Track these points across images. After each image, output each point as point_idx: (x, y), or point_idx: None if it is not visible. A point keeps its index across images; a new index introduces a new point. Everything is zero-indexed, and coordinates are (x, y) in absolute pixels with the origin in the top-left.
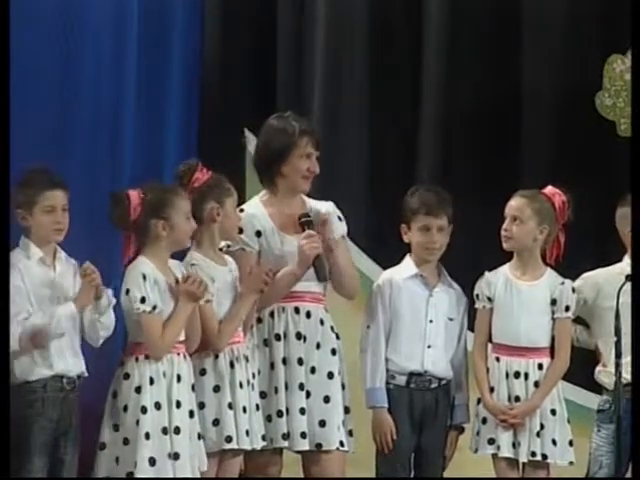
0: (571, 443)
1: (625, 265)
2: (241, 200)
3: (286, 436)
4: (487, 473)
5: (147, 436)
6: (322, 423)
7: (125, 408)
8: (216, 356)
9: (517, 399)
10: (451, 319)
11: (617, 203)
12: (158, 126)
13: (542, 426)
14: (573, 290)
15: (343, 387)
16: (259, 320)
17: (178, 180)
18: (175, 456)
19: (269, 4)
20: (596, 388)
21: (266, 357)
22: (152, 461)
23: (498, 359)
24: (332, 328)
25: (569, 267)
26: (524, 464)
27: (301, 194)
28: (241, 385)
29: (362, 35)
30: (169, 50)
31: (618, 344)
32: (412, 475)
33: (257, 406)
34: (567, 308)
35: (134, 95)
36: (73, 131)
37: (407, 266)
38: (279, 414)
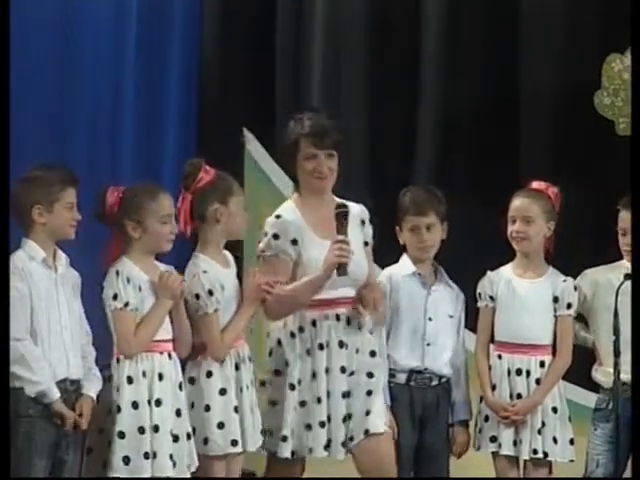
0: (572, 441)
1: (624, 263)
2: None
3: (327, 446)
4: (488, 470)
5: (121, 435)
6: (367, 412)
7: (109, 411)
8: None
9: (519, 396)
10: (450, 316)
11: (618, 205)
12: (157, 126)
13: (543, 424)
14: (575, 288)
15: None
16: (301, 329)
17: (183, 180)
18: (153, 455)
19: (268, 4)
20: (593, 387)
21: (308, 366)
22: (126, 460)
23: (500, 357)
24: (370, 331)
25: (568, 265)
26: (525, 462)
27: (327, 194)
28: (247, 387)
29: (361, 35)
30: (168, 50)
31: (617, 343)
32: (412, 474)
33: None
34: (569, 305)
35: (133, 95)
36: (72, 132)
37: (405, 264)
38: (321, 424)
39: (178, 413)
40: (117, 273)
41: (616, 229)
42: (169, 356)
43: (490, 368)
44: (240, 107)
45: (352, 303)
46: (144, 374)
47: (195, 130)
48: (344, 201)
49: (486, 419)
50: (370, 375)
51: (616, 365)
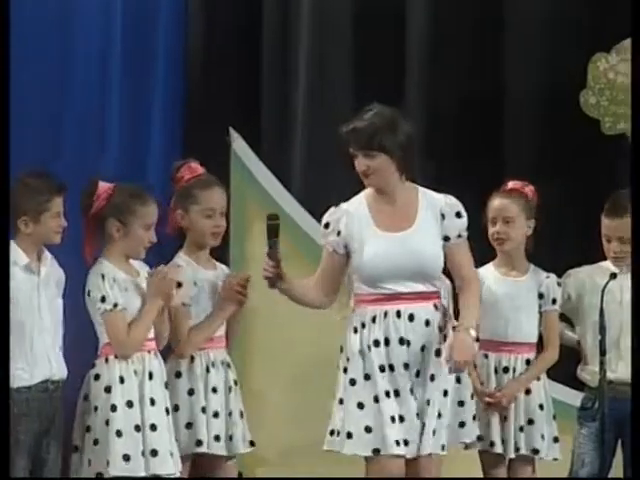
0: (556, 440)
1: (609, 263)
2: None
3: (400, 442)
4: (477, 469)
5: (119, 434)
6: (422, 425)
7: (95, 409)
8: (192, 359)
9: None
10: None
11: (602, 211)
12: (143, 125)
13: (531, 421)
14: (559, 284)
15: (445, 394)
16: (363, 325)
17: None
18: (153, 453)
19: (253, 2)
20: (578, 385)
21: (365, 364)
22: (126, 458)
23: (486, 355)
24: (440, 328)
25: (554, 264)
26: (510, 461)
27: (414, 186)
28: (215, 390)
29: (346, 34)
30: (153, 49)
31: (602, 342)
32: None
33: (241, 413)
34: (554, 301)
35: (118, 94)
36: (59, 132)
37: None
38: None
39: (167, 411)
40: (102, 276)
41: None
42: (156, 355)
43: (476, 367)
44: (226, 106)
45: (422, 297)
46: (135, 373)
47: (180, 129)
48: (276, 213)
49: (473, 418)
50: (432, 378)
51: (602, 364)
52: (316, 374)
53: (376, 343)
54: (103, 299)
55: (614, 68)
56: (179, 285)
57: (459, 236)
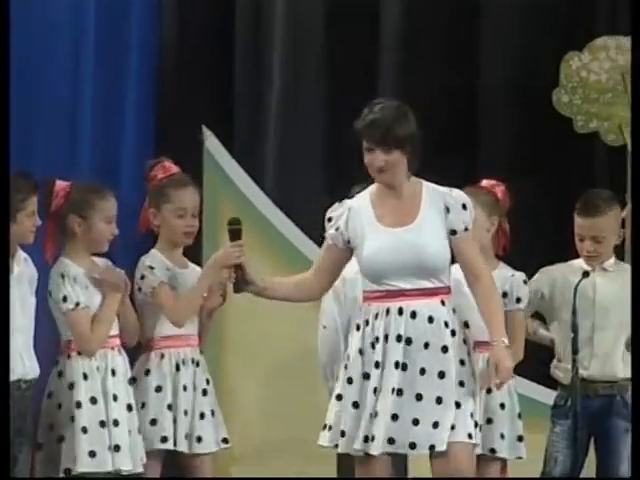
0: (520, 438)
1: (582, 261)
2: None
3: (365, 440)
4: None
5: (84, 430)
6: (435, 424)
7: (59, 406)
8: (162, 356)
9: None
10: None
11: (574, 210)
12: (116, 123)
13: (490, 420)
14: (525, 282)
15: (461, 384)
16: (367, 322)
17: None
18: (116, 448)
19: (227, 1)
20: (552, 383)
21: (361, 364)
22: (92, 454)
23: None
24: (446, 324)
25: (527, 261)
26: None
27: (418, 181)
28: (185, 388)
29: (320, 31)
30: (126, 47)
31: (575, 340)
32: None
33: (212, 412)
34: (518, 300)
35: (91, 92)
36: (30, 129)
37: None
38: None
39: (129, 408)
40: (62, 275)
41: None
42: (119, 351)
43: None
44: (199, 104)
45: (426, 294)
46: (98, 369)
47: (153, 127)
48: (237, 217)
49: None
50: (441, 375)
51: (574, 362)
52: (291, 371)
53: (377, 340)
54: (65, 299)
55: (587, 66)
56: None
57: (466, 229)
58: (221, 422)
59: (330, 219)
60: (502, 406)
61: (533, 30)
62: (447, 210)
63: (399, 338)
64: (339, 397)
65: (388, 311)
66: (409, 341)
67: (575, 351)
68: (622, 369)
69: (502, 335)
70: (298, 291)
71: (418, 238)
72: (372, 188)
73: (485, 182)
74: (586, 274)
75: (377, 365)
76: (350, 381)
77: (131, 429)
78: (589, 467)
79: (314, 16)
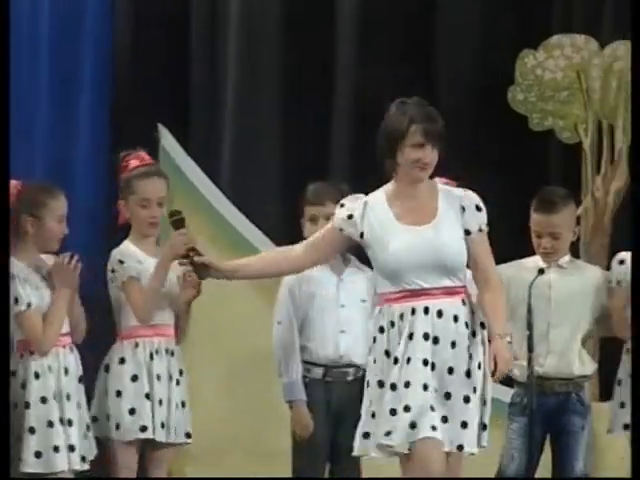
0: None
1: (537, 259)
2: None
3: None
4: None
5: (32, 430)
6: (464, 424)
7: (15, 406)
8: (136, 345)
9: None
10: (363, 301)
11: (531, 205)
12: (71, 121)
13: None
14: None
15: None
16: (392, 324)
17: None
18: (71, 448)
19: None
20: (508, 381)
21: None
22: (37, 454)
23: None
24: (467, 324)
25: None
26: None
27: (432, 182)
28: (159, 377)
29: (275, 28)
30: (80, 44)
31: (530, 337)
32: (328, 468)
33: (183, 403)
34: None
35: (47, 90)
36: None
37: None
38: (392, 412)
39: (78, 405)
40: (12, 277)
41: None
42: (71, 349)
43: None
44: (154, 102)
45: (449, 292)
46: (50, 369)
47: (109, 125)
48: (178, 209)
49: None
50: (468, 374)
51: (530, 360)
52: (245, 368)
53: (400, 338)
54: (16, 301)
55: (542, 65)
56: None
57: (480, 230)
58: (189, 415)
59: (343, 205)
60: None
61: (488, 28)
62: (463, 210)
63: (426, 336)
64: (371, 403)
65: (414, 311)
66: (436, 340)
67: (531, 349)
68: (578, 366)
69: (504, 330)
70: (283, 259)
71: (438, 236)
72: (387, 187)
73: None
74: (541, 271)
75: (395, 361)
76: (381, 384)
77: (80, 428)
78: (544, 465)
79: (270, 13)
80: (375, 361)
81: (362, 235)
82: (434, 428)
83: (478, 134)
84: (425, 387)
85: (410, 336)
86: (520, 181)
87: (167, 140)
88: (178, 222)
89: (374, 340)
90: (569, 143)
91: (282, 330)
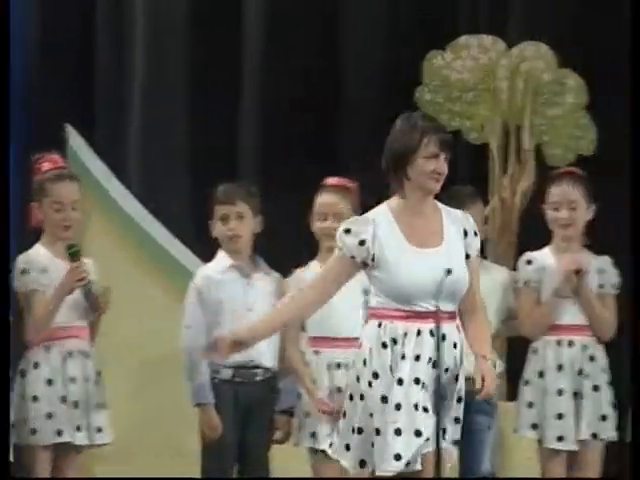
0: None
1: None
2: None
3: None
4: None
5: None
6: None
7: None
8: (49, 349)
9: (339, 390)
10: (273, 305)
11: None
12: None
13: None
14: None
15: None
16: (394, 341)
17: None
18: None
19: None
20: None
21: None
22: None
23: (317, 352)
24: (461, 350)
25: None
26: None
27: (434, 201)
28: (74, 380)
29: (182, 30)
30: None
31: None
32: (236, 469)
33: (101, 404)
34: None
35: None
36: None
37: (221, 259)
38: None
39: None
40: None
41: None
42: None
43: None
44: (61, 102)
45: (451, 317)
46: None
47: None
48: (74, 242)
49: (307, 415)
50: (459, 400)
51: (437, 360)
52: (156, 370)
53: (403, 358)
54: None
55: (449, 65)
56: None
57: (477, 255)
58: (108, 416)
59: (349, 231)
60: None
61: (396, 28)
62: (465, 233)
63: (430, 360)
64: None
65: (419, 332)
66: (437, 364)
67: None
68: None
69: (490, 352)
70: (304, 306)
71: (449, 261)
72: (392, 203)
73: (340, 180)
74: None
75: (400, 382)
76: (384, 400)
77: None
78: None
79: (175, 13)
80: (377, 376)
81: (373, 258)
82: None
83: (386, 135)
84: (425, 409)
85: (417, 358)
86: None
87: (74, 140)
88: (74, 255)
89: (373, 355)
90: (476, 144)
91: (191, 334)
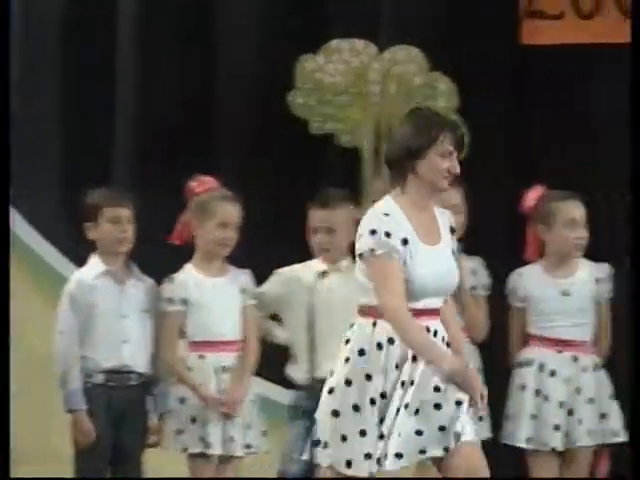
0: (264, 433)
1: (317, 262)
2: None
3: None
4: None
5: None
6: (442, 428)
7: None
8: None
9: (225, 392)
10: (145, 311)
11: (308, 204)
12: None
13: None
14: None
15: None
16: (390, 341)
17: None
18: None
19: None
20: (289, 383)
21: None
22: None
23: (202, 357)
24: (448, 344)
25: (259, 262)
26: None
27: (433, 200)
28: None
29: (56, 36)
30: None
31: (311, 340)
32: (110, 473)
33: None
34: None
35: None
36: None
37: (95, 265)
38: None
39: None
40: None
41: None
42: None
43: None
44: None
45: (436, 314)
46: None
47: None
48: None
49: (193, 420)
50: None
51: (311, 362)
52: (40, 375)
53: (403, 360)
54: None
55: (322, 69)
56: None
57: (454, 252)
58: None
59: (375, 231)
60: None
61: (268, 32)
62: (452, 231)
63: (414, 359)
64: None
65: (428, 329)
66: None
67: (311, 351)
68: None
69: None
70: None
71: (450, 259)
72: (397, 198)
73: (226, 192)
74: (322, 274)
75: (403, 384)
76: (372, 402)
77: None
78: None
79: (48, 19)
80: (370, 378)
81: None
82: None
83: (259, 138)
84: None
85: (414, 358)
86: (300, 185)
87: None
88: None
89: (360, 353)
90: (349, 147)
91: (64, 340)
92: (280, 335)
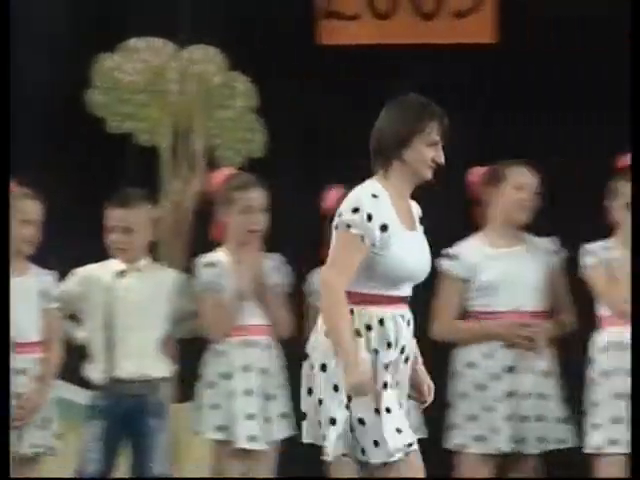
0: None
1: (115, 261)
2: None
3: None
4: None
5: None
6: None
7: None
8: None
9: (18, 396)
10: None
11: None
12: None
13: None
14: (56, 279)
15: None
16: (368, 328)
17: None
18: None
19: None
20: (87, 383)
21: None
22: None
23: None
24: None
25: (63, 263)
26: None
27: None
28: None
29: None
30: None
31: (108, 339)
32: None
33: None
34: (53, 300)
35: None
36: None
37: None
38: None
39: None
40: None
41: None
42: None
43: None
44: None
45: (407, 302)
46: None
47: None
48: None
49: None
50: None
51: (109, 362)
52: None
53: (388, 346)
54: None
55: (120, 67)
56: None
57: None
58: None
59: (357, 209)
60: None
61: (67, 30)
62: (421, 220)
63: (399, 346)
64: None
65: (393, 317)
66: (404, 349)
67: (109, 351)
68: (156, 368)
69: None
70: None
71: (425, 244)
72: (383, 182)
73: None
74: (120, 274)
75: (386, 367)
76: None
77: None
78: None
79: None
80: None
81: (380, 238)
82: None
83: (56, 137)
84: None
85: (389, 345)
86: (99, 184)
87: None
88: None
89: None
90: (147, 146)
91: None
92: (78, 334)
